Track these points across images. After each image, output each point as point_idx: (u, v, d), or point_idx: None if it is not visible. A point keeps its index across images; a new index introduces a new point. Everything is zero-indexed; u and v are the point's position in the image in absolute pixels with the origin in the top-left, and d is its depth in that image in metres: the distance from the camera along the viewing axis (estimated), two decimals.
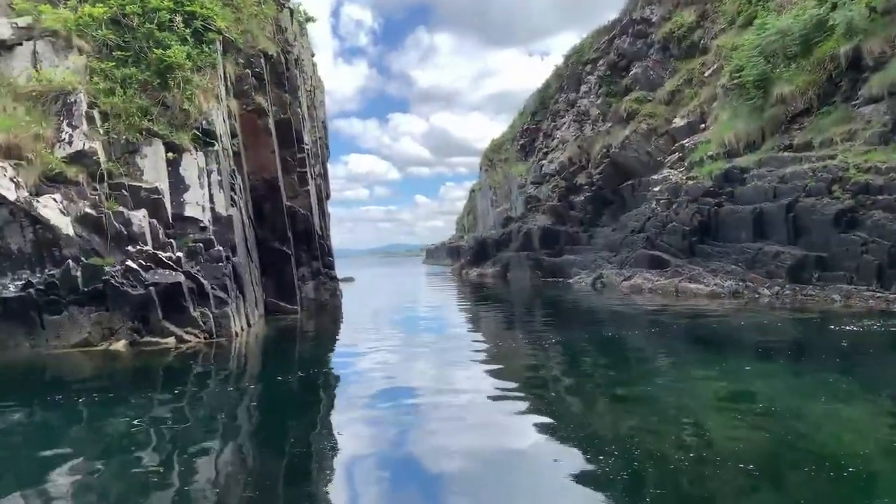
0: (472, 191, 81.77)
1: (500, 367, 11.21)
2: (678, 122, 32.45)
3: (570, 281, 33.52)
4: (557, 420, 7.48)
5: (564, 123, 46.44)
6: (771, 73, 24.85)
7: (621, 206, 35.09)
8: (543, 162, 47.21)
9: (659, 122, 34.24)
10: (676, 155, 30.91)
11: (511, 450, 6.67)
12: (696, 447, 6.30)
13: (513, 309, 23.17)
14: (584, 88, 44.18)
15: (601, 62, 42.17)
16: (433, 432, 7.28)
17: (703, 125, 30.59)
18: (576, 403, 8.61)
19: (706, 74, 31.78)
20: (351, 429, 7.48)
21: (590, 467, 5.82)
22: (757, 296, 20.11)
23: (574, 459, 6.05)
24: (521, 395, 8.93)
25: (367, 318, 21.01)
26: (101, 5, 16.33)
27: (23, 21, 16.08)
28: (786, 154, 22.96)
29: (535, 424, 7.30)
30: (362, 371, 11.25)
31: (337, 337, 16.90)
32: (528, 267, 41.60)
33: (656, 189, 29.47)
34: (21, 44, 15.99)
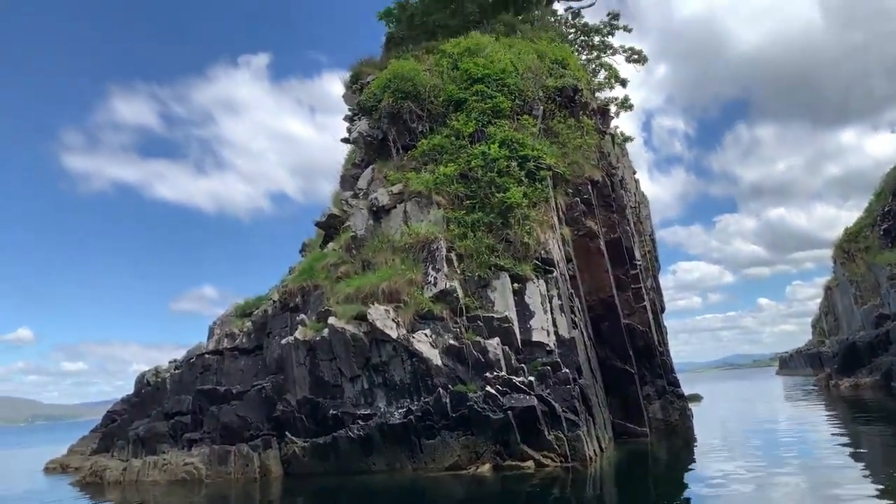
0: (828, 288, 71.57)
1: None
2: None
3: None
4: None
5: None
6: None
7: None
8: None
9: None
10: None
11: None
12: None
13: None
14: None
15: None
16: None
17: None
18: None
19: None
20: None
21: None
22: None
23: None
24: None
25: (722, 440, 19.21)
26: (453, 165, 19.10)
27: (395, 188, 19.62)
28: None
29: None
30: None
31: (692, 463, 15.68)
32: None
33: None
34: (395, 207, 19.45)
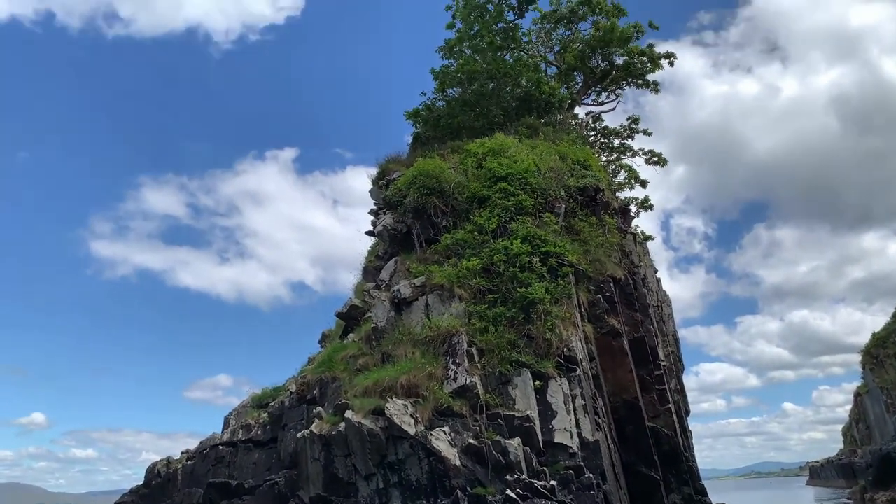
0: (857, 394, 69.47)
1: None
2: None
3: None
4: None
5: None
6: None
7: None
8: None
9: None
10: None
11: None
12: None
13: None
14: None
15: None
16: None
17: None
18: None
19: None
20: None
21: None
22: None
23: None
24: None
25: None
26: (475, 259, 19.24)
27: (418, 281, 19.71)
28: None
29: None
30: None
31: None
32: None
33: None
34: (417, 299, 19.46)
